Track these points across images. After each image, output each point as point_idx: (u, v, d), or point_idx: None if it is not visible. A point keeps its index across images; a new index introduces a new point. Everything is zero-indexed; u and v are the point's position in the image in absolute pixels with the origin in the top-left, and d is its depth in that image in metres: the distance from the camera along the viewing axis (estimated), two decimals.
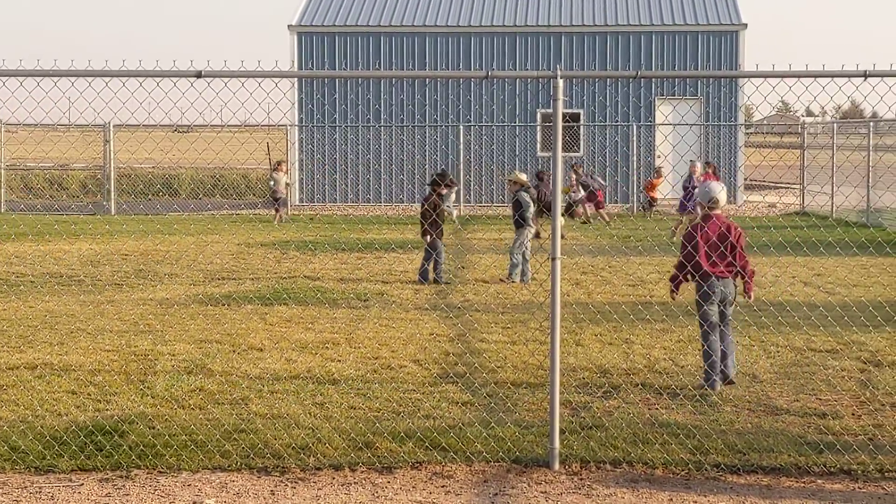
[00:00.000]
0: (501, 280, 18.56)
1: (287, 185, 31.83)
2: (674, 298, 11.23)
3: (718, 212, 10.83)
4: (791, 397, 10.54)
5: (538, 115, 36.92)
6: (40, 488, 7.95)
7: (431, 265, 18.55)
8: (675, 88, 37.02)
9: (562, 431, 8.83)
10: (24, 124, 32.10)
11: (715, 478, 8.29)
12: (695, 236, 10.72)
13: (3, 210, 34.72)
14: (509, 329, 14.11)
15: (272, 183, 31.43)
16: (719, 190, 10.82)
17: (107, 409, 9.90)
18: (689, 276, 10.85)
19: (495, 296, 17.03)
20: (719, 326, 10.80)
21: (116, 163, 35.87)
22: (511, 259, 18.73)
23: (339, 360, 12.15)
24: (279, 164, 31.99)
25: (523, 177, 19.42)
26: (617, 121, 36.61)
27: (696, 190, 11.36)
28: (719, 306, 10.79)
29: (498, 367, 11.75)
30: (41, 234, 25.67)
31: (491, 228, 28.56)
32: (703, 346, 10.82)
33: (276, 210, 31.37)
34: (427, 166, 36.79)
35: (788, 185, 37.02)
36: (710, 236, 10.72)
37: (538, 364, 11.81)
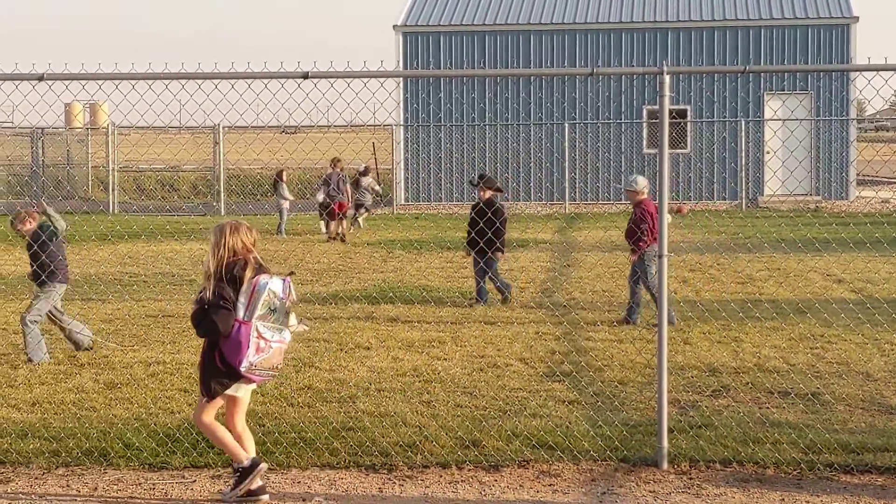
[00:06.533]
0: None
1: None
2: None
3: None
4: None
5: (644, 112, 36.63)
6: (154, 485, 8.09)
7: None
8: (785, 83, 36.46)
9: (670, 430, 8.74)
10: (136, 127, 32.68)
11: (828, 477, 8.15)
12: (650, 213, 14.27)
13: (116, 211, 35.41)
14: (615, 327, 14.02)
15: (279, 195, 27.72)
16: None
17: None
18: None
19: (601, 294, 16.93)
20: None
21: (226, 164, 36.37)
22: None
23: (445, 359, 12.18)
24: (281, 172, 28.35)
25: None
26: (725, 117, 36.18)
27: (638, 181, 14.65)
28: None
29: (605, 366, 11.69)
30: (153, 234, 26.13)
31: (597, 227, 28.41)
32: (636, 291, 14.28)
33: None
34: (532, 165, 36.72)
35: None
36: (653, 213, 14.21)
37: (645, 362, 11.72)
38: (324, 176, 27.44)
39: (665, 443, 8.42)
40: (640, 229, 14.21)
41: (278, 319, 7.55)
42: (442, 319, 14.67)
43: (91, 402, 10.29)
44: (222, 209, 35.28)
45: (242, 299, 7.42)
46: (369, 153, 36.66)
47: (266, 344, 7.45)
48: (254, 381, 7.66)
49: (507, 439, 8.88)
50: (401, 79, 36.27)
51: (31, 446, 8.82)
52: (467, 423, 9.36)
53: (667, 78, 8.27)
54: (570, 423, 9.36)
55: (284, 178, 28.22)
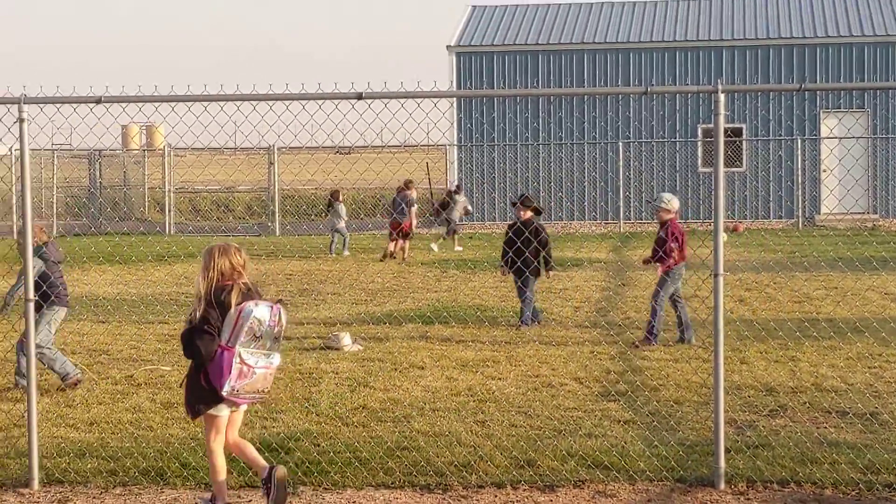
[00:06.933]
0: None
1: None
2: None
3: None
4: None
5: (699, 131, 36.46)
6: None
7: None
8: (841, 101, 36.17)
9: (727, 450, 8.68)
10: (191, 148, 32.97)
11: (887, 498, 8.05)
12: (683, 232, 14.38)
13: (172, 232, 35.70)
14: (671, 347, 13.95)
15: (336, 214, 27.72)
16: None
17: (273, 427, 10.09)
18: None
19: None
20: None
21: (280, 184, 36.57)
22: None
23: (500, 378, 12.16)
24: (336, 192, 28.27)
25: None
26: (780, 135, 35.94)
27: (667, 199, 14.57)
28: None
29: (660, 385, 11.63)
30: None
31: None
32: (657, 307, 14.11)
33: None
34: (586, 184, 36.63)
35: None
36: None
37: (701, 382, 11.64)
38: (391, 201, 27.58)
39: (722, 463, 8.36)
40: (665, 248, 14.26)
41: (265, 345, 7.53)
42: (496, 339, 14.66)
43: (148, 421, 10.37)
44: (277, 229, 35.48)
45: (228, 325, 7.45)
46: (423, 173, 36.73)
47: (249, 370, 7.46)
48: (238, 404, 7.71)
49: (563, 459, 8.85)
50: (454, 99, 36.31)
51: (89, 466, 8.90)
52: (522, 442, 9.34)
53: (721, 96, 8.23)
54: (625, 442, 9.32)
55: (340, 197, 28.32)
